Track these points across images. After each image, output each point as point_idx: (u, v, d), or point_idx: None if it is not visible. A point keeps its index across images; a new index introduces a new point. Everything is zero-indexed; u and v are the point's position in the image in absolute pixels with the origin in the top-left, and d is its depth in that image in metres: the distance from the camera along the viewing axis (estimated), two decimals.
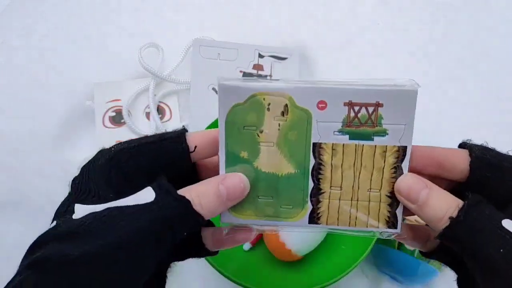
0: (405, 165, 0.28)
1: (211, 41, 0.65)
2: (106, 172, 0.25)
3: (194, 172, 0.28)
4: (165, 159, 0.26)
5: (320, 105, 0.28)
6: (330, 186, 0.29)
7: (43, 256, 0.21)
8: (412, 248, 0.34)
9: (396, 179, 0.27)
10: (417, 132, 0.27)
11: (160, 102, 0.63)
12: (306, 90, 0.27)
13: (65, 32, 0.68)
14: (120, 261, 0.21)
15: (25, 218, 0.56)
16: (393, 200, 0.28)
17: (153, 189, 0.24)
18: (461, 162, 0.26)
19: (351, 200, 0.29)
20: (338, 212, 0.29)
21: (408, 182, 0.26)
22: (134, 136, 0.60)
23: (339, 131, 0.28)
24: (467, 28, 0.68)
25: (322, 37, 0.67)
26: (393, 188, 0.27)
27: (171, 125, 0.61)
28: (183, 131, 0.27)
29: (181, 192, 0.24)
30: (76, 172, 0.27)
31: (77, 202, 0.24)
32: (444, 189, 0.26)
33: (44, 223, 0.60)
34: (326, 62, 0.66)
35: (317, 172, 0.29)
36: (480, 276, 0.24)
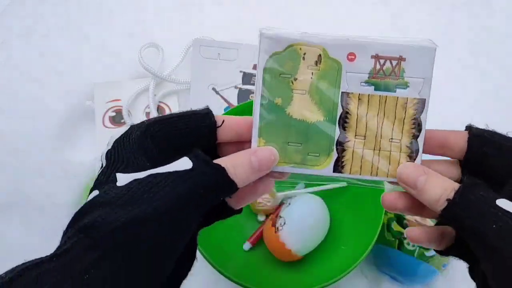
0: (423, 117, 0.31)
1: (211, 41, 0.65)
2: (142, 143, 0.26)
3: (216, 156, 0.29)
4: (195, 131, 0.28)
5: (349, 57, 0.31)
6: (355, 135, 0.31)
7: (95, 221, 0.22)
8: (428, 247, 0.34)
9: (415, 131, 0.30)
10: None
11: (160, 102, 0.63)
12: (338, 42, 0.31)
13: (65, 32, 0.68)
14: (165, 225, 0.23)
15: (25, 218, 0.56)
16: (412, 150, 0.31)
17: (190, 158, 0.25)
18: (461, 140, 0.28)
19: (374, 150, 0.31)
20: (361, 161, 0.31)
21: (407, 170, 0.28)
22: None
23: (366, 82, 0.31)
24: (467, 28, 0.68)
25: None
26: (412, 139, 0.30)
27: None
28: (209, 110, 0.29)
29: (216, 161, 0.26)
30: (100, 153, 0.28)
31: (117, 171, 0.25)
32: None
33: (44, 223, 0.61)
34: None
35: (343, 120, 0.31)
36: (478, 253, 0.25)
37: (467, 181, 0.26)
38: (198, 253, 0.45)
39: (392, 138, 0.31)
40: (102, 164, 0.27)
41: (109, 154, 0.27)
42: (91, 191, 0.25)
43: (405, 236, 0.30)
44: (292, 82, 0.31)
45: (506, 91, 0.63)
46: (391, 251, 0.49)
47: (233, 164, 0.26)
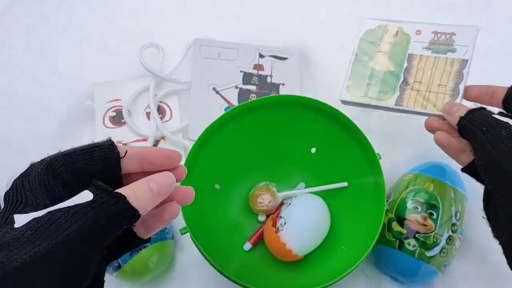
0: (465, 71, 0.47)
1: (211, 41, 0.65)
2: (44, 180, 0.27)
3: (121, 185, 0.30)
4: (99, 164, 0.28)
5: (417, 32, 0.51)
6: (414, 81, 0.48)
7: None
8: (450, 157, 0.45)
9: (458, 80, 0.47)
10: None
11: (160, 102, 0.63)
12: (410, 24, 0.51)
13: (65, 32, 0.68)
14: (66, 261, 0.23)
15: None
16: (455, 93, 0.46)
17: (90, 190, 0.25)
18: (504, 90, 0.42)
19: (426, 91, 0.48)
20: (415, 98, 0.48)
21: (450, 103, 0.44)
22: (134, 136, 0.61)
23: (426, 48, 0.50)
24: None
25: (322, 37, 0.67)
26: (455, 84, 0.47)
27: (172, 125, 0.61)
28: (112, 141, 0.29)
29: (118, 190, 0.26)
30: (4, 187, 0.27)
31: (15, 213, 0.25)
32: None
33: None
34: (326, 62, 0.66)
35: (407, 71, 0.49)
36: (476, 154, 0.38)
37: (476, 107, 0.40)
38: (197, 253, 0.45)
39: (440, 84, 0.47)
40: (0, 206, 0.26)
41: (7, 196, 0.26)
42: None
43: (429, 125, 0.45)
44: (377, 46, 0.52)
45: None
46: (392, 251, 0.49)
47: (134, 191, 0.26)
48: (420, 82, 0.48)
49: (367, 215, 0.49)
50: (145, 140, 0.60)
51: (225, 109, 0.61)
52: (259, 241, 0.53)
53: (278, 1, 0.71)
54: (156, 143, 0.60)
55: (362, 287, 0.52)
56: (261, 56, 0.64)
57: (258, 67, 0.64)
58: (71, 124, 0.62)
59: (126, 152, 0.29)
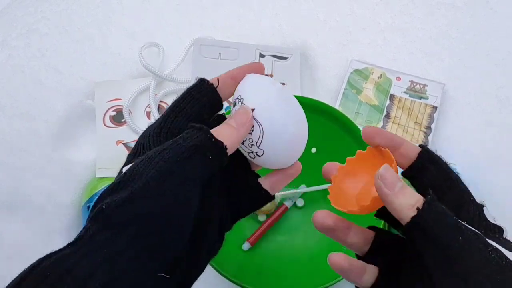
0: (435, 115, 0.60)
1: (212, 40, 0.64)
2: (157, 135, 0.29)
3: None
4: (201, 102, 0.30)
5: (397, 78, 0.63)
6: (395, 116, 0.60)
7: (102, 206, 0.24)
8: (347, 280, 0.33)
9: (430, 121, 0.58)
10: None
11: (160, 101, 0.63)
12: (391, 71, 0.63)
13: (66, 31, 0.68)
14: (161, 192, 0.25)
15: (25, 218, 0.56)
16: (428, 131, 0.59)
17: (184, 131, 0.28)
18: (413, 152, 0.31)
19: (404, 126, 0.60)
20: (396, 129, 0.59)
21: (390, 172, 0.28)
22: (134, 136, 0.60)
23: (404, 92, 0.62)
24: (467, 27, 0.68)
25: (322, 37, 0.67)
26: (428, 124, 0.57)
27: None
28: (201, 78, 0.31)
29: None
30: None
31: (127, 164, 0.28)
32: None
33: (44, 222, 0.60)
34: (326, 62, 0.66)
35: (389, 107, 0.61)
36: (436, 264, 0.26)
37: (432, 195, 0.27)
38: None
39: (416, 122, 0.60)
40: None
41: (129, 154, 0.29)
42: None
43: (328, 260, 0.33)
44: (364, 83, 0.62)
45: (506, 91, 0.63)
46: None
47: (217, 128, 0.28)
48: (400, 118, 0.60)
49: (366, 216, 0.48)
50: None
51: (226, 109, 0.61)
52: (258, 241, 0.53)
53: (279, 1, 0.71)
54: None
55: None
56: (261, 55, 0.64)
57: None
58: (71, 123, 0.62)
59: (218, 80, 0.31)
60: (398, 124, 0.60)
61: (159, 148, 0.26)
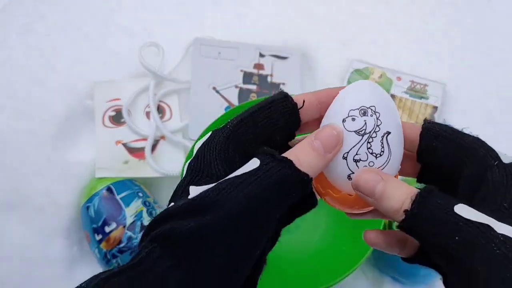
0: (436, 115, 0.60)
1: (211, 40, 0.64)
2: (224, 149, 0.26)
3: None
4: (279, 120, 0.27)
5: (398, 78, 0.63)
6: None
7: (165, 230, 0.22)
8: (390, 253, 0.31)
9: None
10: None
11: (160, 101, 0.63)
12: (392, 71, 0.63)
13: (65, 31, 0.68)
14: (232, 231, 0.22)
15: (24, 218, 0.56)
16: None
17: (257, 157, 0.24)
18: (414, 133, 0.27)
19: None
20: None
21: (364, 176, 0.25)
22: (134, 136, 0.60)
23: (405, 92, 0.62)
24: (468, 27, 0.68)
25: (323, 37, 0.67)
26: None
27: (171, 125, 0.61)
28: (285, 93, 0.28)
29: (284, 154, 0.24)
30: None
31: (192, 184, 0.25)
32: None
33: (44, 223, 0.60)
34: (326, 61, 0.65)
35: None
36: (444, 266, 0.24)
37: (423, 189, 0.24)
38: None
39: (417, 122, 0.57)
40: (183, 175, 0.26)
41: (191, 165, 0.26)
42: (169, 203, 0.25)
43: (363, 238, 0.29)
44: None
45: (506, 91, 0.63)
46: None
47: (297, 153, 0.24)
48: (400, 118, 0.55)
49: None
50: (145, 139, 0.59)
51: (225, 109, 0.61)
52: None
53: (279, 1, 0.71)
54: (155, 143, 0.60)
55: (363, 287, 0.52)
56: (261, 55, 0.64)
57: (259, 66, 0.64)
58: (70, 123, 0.62)
59: (304, 101, 0.27)
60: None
61: (237, 180, 0.23)
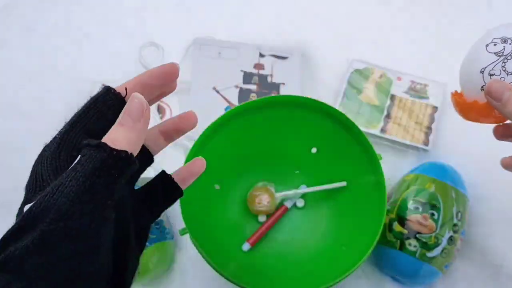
0: (436, 115, 0.59)
1: (211, 40, 0.64)
2: (55, 160, 0.25)
3: None
4: (107, 114, 0.27)
5: (398, 78, 0.62)
6: (395, 116, 0.59)
7: (3, 257, 0.22)
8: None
9: (431, 121, 0.57)
10: None
11: (160, 101, 0.63)
12: (392, 71, 0.62)
13: (65, 31, 0.68)
14: (63, 234, 0.22)
15: None
16: (428, 131, 0.58)
17: (80, 152, 0.24)
18: None
19: (405, 126, 0.59)
20: (397, 129, 0.58)
21: (496, 85, 0.34)
22: None
23: (405, 92, 0.61)
24: (469, 27, 0.68)
25: (323, 37, 0.67)
26: (428, 124, 0.58)
27: None
28: (107, 86, 0.28)
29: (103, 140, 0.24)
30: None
31: (27, 203, 0.24)
32: None
33: None
34: (327, 61, 0.65)
35: (390, 107, 0.60)
36: None
37: None
38: (197, 253, 0.45)
39: (417, 122, 0.59)
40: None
41: (27, 185, 0.26)
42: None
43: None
44: (364, 83, 0.62)
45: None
46: (393, 252, 0.49)
47: (110, 133, 0.24)
48: (401, 118, 0.59)
49: (368, 216, 0.48)
50: None
51: (226, 109, 0.61)
52: (258, 242, 0.52)
53: (279, 1, 0.71)
54: None
55: (363, 287, 0.52)
56: (261, 55, 0.64)
57: (259, 66, 0.64)
58: None
59: (126, 89, 0.28)
60: (399, 124, 0.59)
61: (57, 183, 0.22)
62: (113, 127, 0.25)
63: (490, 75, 0.36)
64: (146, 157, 0.30)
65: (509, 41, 0.36)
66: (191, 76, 0.62)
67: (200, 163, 0.33)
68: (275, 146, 0.55)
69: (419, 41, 0.67)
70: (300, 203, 0.56)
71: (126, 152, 0.24)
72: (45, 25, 0.68)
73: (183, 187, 0.31)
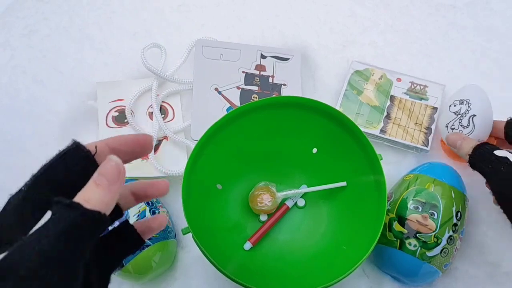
0: (436, 115, 0.60)
1: (213, 41, 0.65)
2: (20, 213, 0.25)
3: None
4: (75, 170, 0.27)
5: (398, 79, 0.63)
6: (395, 117, 0.60)
7: None
8: None
9: (431, 122, 0.59)
10: None
11: (163, 102, 0.63)
12: (392, 72, 0.63)
13: (68, 32, 0.69)
14: None
15: None
16: (428, 132, 0.59)
17: (51, 209, 0.24)
18: (502, 125, 0.50)
19: (405, 126, 0.59)
20: (397, 130, 0.59)
21: (451, 136, 0.49)
22: None
23: (405, 93, 0.62)
24: (467, 28, 0.68)
25: (323, 38, 0.68)
26: (428, 125, 0.59)
27: (174, 125, 0.62)
28: (77, 142, 0.28)
29: (74, 199, 0.24)
30: None
31: None
32: None
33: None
34: (327, 62, 0.66)
35: (389, 108, 0.61)
36: (490, 186, 0.44)
37: (479, 144, 0.45)
38: (199, 252, 0.45)
39: (416, 123, 0.60)
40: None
41: None
42: None
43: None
44: (365, 84, 0.62)
45: (506, 91, 0.63)
46: (393, 251, 0.49)
47: (83, 192, 0.24)
48: (400, 119, 0.60)
49: (368, 215, 0.49)
50: None
51: (227, 110, 0.61)
52: (260, 241, 0.53)
53: (280, 2, 0.71)
54: (158, 143, 0.60)
55: (363, 287, 0.53)
56: (263, 56, 0.65)
57: (260, 67, 0.64)
58: (73, 124, 0.62)
59: (96, 147, 0.28)
60: (399, 125, 0.60)
61: (28, 239, 0.22)
62: (86, 186, 0.25)
63: (452, 128, 0.51)
64: (116, 211, 0.30)
65: (464, 102, 0.50)
66: (193, 77, 0.63)
67: (162, 219, 0.33)
68: (276, 147, 0.55)
69: (418, 42, 0.67)
70: (301, 202, 0.56)
71: (99, 212, 0.24)
72: (47, 27, 0.69)
73: (145, 238, 0.32)
